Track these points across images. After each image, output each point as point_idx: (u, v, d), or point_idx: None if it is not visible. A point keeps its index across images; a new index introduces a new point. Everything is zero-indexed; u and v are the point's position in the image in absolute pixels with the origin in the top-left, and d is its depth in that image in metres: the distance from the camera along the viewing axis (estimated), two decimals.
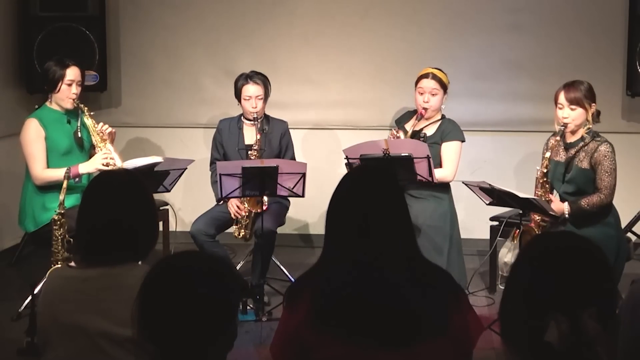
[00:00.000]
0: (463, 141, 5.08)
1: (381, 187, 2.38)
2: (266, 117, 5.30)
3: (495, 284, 5.24)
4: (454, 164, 5.03)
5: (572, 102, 4.54)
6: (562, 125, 4.58)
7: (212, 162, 5.30)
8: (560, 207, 4.54)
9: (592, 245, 1.74)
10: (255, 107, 5.15)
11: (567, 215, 4.53)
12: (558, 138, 4.62)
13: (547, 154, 4.63)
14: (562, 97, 4.57)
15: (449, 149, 5.04)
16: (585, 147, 4.56)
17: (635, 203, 5.81)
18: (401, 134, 5.00)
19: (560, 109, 4.59)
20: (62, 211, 4.45)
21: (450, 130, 5.06)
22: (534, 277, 1.70)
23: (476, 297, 5.12)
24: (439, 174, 4.91)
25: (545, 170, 4.61)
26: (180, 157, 5.16)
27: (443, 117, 5.12)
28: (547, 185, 4.63)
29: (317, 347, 2.25)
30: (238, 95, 5.22)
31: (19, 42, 6.08)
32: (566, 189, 4.65)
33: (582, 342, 1.62)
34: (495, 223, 5.21)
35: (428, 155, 4.70)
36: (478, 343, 2.38)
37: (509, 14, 6.07)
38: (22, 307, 4.75)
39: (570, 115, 4.56)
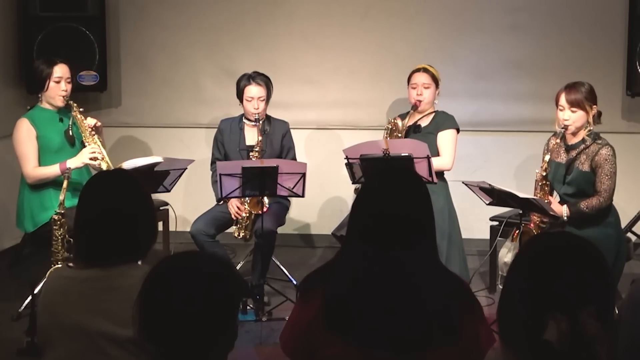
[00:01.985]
0: (458, 130, 5.18)
1: (407, 189, 2.35)
2: (267, 118, 5.29)
3: (495, 284, 5.23)
4: (451, 152, 5.12)
5: (572, 104, 4.53)
6: (562, 127, 4.57)
7: (213, 162, 5.30)
8: (559, 209, 4.54)
9: (590, 244, 1.74)
10: (258, 108, 5.15)
11: (565, 218, 4.53)
12: (558, 140, 4.62)
13: (547, 157, 4.62)
14: (562, 99, 4.57)
15: (445, 138, 5.14)
16: (587, 150, 4.55)
17: (635, 203, 5.81)
18: (399, 121, 5.11)
19: (561, 110, 4.58)
20: (62, 211, 4.46)
21: (445, 120, 5.18)
22: (531, 277, 1.70)
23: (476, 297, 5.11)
24: (437, 163, 4.94)
25: (544, 174, 4.61)
26: (180, 157, 5.16)
27: (437, 111, 5.23)
28: (546, 188, 4.63)
29: (324, 346, 2.25)
30: (240, 95, 5.21)
31: (19, 42, 6.08)
32: (566, 190, 4.65)
33: (581, 341, 1.62)
34: (495, 223, 5.21)
35: (428, 155, 4.71)
36: None
37: (509, 14, 6.07)
38: (22, 307, 4.75)
39: (571, 117, 4.55)
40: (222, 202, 5.12)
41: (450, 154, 5.12)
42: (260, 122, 5.15)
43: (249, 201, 5.01)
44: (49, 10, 5.99)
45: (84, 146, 4.98)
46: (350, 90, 6.25)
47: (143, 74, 6.42)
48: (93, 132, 4.97)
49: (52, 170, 4.85)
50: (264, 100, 5.18)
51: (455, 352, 2.23)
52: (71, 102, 4.98)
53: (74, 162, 4.88)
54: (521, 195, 4.45)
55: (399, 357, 2.21)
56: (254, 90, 5.16)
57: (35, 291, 4.41)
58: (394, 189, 2.35)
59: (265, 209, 4.93)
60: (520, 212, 4.62)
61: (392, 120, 5.15)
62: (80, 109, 5.01)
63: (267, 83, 5.20)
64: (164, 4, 6.35)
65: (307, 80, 6.28)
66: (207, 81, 6.36)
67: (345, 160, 4.87)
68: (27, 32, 5.99)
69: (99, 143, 4.96)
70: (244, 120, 5.30)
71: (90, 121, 5.01)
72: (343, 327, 2.23)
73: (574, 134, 4.61)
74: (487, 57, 6.12)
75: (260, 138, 5.11)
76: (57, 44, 5.88)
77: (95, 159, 4.87)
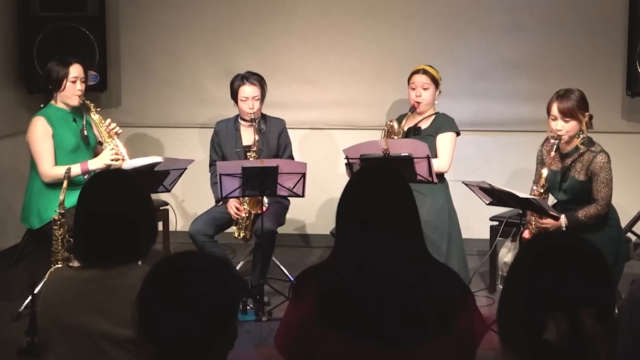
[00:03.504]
0: (458, 133, 5.18)
1: (390, 185, 2.39)
2: (263, 116, 5.29)
3: (495, 284, 5.23)
4: (449, 154, 5.12)
5: (565, 114, 4.49)
6: (556, 139, 4.54)
7: (211, 165, 5.29)
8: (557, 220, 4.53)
9: (590, 244, 1.75)
10: (253, 108, 5.14)
11: (564, 228, 4.51)
12: (553, 154, 4.57)
13: (544, 173, 4.57)
14: (554, 109, 4.51)
15: (444, 140, 5.13)
16: (581, 158, 4.53)
17: (635, 203, 5.81)
18: (395, 123, 5.11)
19: (554, 120, 4.52)
20: (62, 211, 4.46)
21: (444, 122, 5.18)
22: (532, 277, 1.70)
23: (476, 297, 5.07)
24: (435, 165, 4.94)
25: (541, 190, 4.60)
26: (180, 157, 5.16)
27: (437, 113, 5.21)
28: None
29: (320, 342, 2.26)
30: (234, 96, 5.20)
31: (19, 42, 6.07)
32: (562, 197, 4.65)
33: (581, 341, 1.62)
34: (495, 223, 5.21)
35: (428, 155, 4.71)
36: None
37: (509, 14, 6.07)
38: (22, 307, 4.75)
39: (564, 127, 4.50)
40: (220, 202, 5.12)
41: (448, 157, 5.11)
42: (256, 121, 5.15)
43: (248, 201, 5.01)
44: (49, 10, 5.98)
45: (101, 146, 4.99)
46: (350, 90, 6.25)
47: (143, 74, 6.42)
48: (112, 134, 4.97)
49: (73, 170, 4.73)
50: (258, 99, 5.17)
51: (451, 341, 2.25)
52: (88, 102, 5.00)
53: (95, 163, 4.89)
54: (521, 195, 4.45)
55: (396, 350, 2.22)
56: (248, 90, 5.15)
57: (35, 291, 4.41)
58: (375, 187, 2.38)
59: (264, 209, 4.92)
60: (520, 212, 4.62)
61: (389, 123, 5.14)
62: (98, 109, 5.02)
63: (260, 82, 5.19)
64: (164, 4, 6.35)
65: (307, 80, 6.28)
66: (207, 81, 6.36)
67: (345, 160, 4.87)
68: (27, 32, 5.98)
69: (118, 143, 4.96)
70: (240, 121, 5.29)
71: (111, 125, 4.99)
72: (338, 322, 2.24)
73: (568, 142, 4.59)
74: (487, 57, 6.12)
75: (257, 138, 5.11)
76: (57, 44, 5.87)
77: (117, 159, 4.87)
